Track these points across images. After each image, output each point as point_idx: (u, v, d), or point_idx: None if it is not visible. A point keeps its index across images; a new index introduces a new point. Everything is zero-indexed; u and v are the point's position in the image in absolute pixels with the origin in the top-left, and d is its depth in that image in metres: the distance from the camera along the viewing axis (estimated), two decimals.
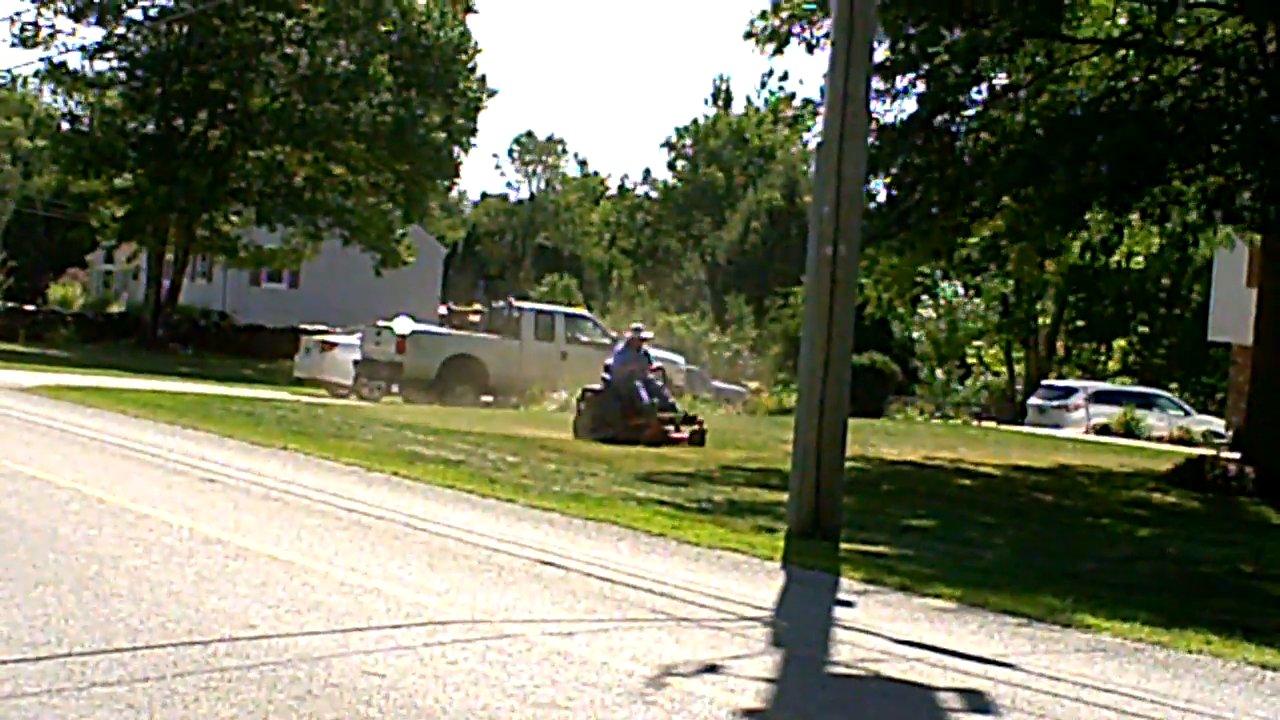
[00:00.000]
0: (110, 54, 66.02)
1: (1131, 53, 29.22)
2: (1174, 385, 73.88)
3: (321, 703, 8.05)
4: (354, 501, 17.03)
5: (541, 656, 9.63)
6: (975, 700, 9.51)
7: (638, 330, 31.86)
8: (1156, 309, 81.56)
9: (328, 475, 19.72)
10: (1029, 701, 9.53)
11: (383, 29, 66.48)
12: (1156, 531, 21.56)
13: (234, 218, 68.61)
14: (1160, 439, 46.56)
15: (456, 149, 70.86)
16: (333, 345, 48.20)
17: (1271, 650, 11.86)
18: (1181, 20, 29.15)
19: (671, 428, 29.39)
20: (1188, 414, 55.27)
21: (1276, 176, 25.24)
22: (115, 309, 76.58)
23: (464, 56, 69.69)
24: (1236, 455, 30.08)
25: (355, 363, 44.03)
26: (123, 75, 66.51)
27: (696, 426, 29.86)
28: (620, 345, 31.89)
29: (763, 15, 29.76)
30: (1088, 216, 29.35)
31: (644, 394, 29.63)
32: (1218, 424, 51.07)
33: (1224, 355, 56.76)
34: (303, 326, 56.06)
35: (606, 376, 30.14)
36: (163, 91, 65.19)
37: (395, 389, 42.33)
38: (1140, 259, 36.51)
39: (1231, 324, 43.33)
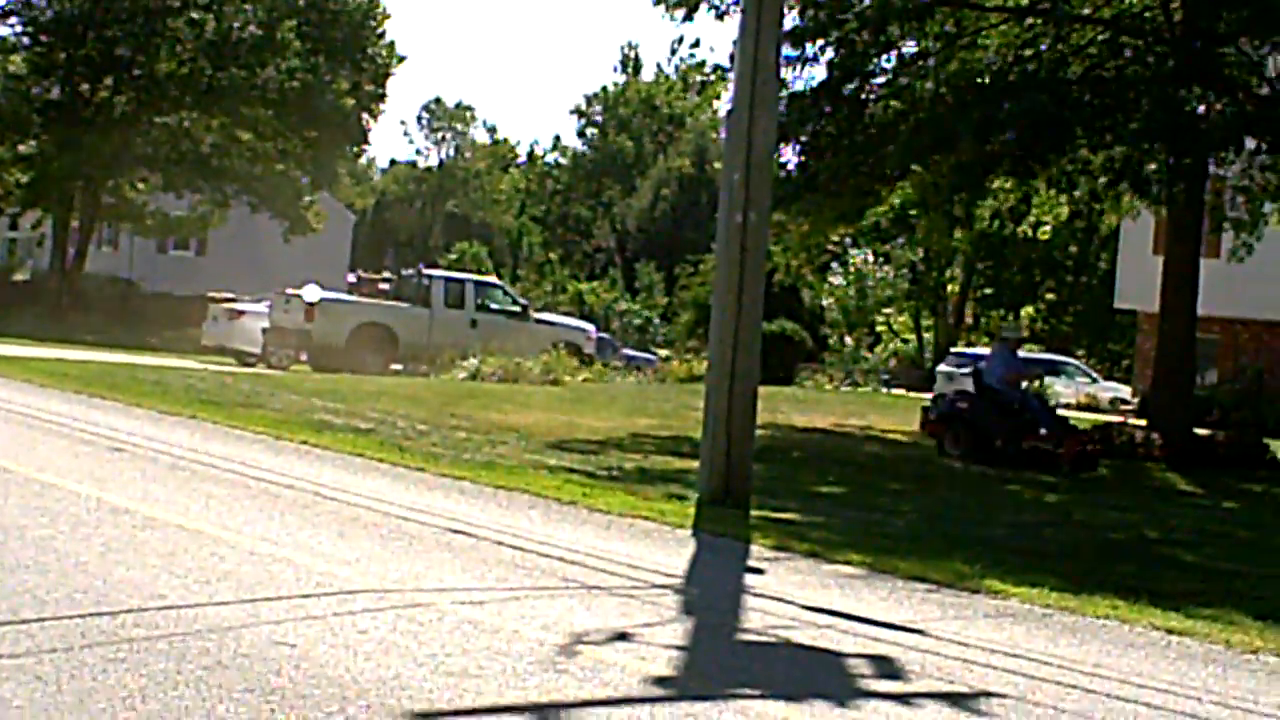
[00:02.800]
0: (13, 19, 65.31)
1: (1040, 21, 29.35)
2: (1081, 352, 74.55)
3: (231, 673, 8.00)
4: (263, 470, 16.94)
5: (452, 625, 9.60)
6: (885, 666, 9.55)
7: (1015, 330, 28.75)
8: (1064, 276, 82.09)
9: (236, 444, 19.60)
10: (938, 667, 9.57)
11: None
12: (1064, 498, 21.75)
13: (140, 185, 67.91)
14: (1067, 405, 46.87)
15: (365, 115, 70.42)
16: (241, 313, 47.87)
17: (1177, 615, 11.96)
18: None
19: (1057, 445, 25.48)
20: (1095, 381, 55.71)
21: (1183, 149, 25.42)
22: (20, 276, 75.71)
23: (373, 22, 69.26)
24: (1143, 422, 30.37)
25: (263, 331, 43.74)
26: (26, 40, 65.74)
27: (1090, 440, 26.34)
28: (997, 348, 27.69)
29: None
30: (996, 184, 29.53)
31: (1034, 405, 26.37)
32: (1124, 391, 51.49)
33: (1130, 323, 57.22)
34: (210, 294, 55.61)
35: (987, 386, 26.19)
36: (68, 56, 64.45)
37: (304, 357, 42.12)
38: (1047, 228, 36.68)
39: (1138, 291, 43.69)
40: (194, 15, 64.24)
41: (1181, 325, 29.00)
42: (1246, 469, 27.17)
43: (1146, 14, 28.93)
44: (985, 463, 24.65)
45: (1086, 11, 29.48)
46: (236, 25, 64.90)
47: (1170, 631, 11.38)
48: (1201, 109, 25.97)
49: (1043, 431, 25.43)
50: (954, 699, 8.79)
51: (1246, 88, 27.40)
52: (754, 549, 14.08)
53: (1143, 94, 26.60)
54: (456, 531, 13.50)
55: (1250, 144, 26.78)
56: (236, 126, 66.22)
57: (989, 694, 8.95)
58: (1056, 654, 10.32)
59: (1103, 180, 29.51)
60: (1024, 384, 27.04)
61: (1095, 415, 38.40)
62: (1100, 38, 29.27)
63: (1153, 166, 26.75)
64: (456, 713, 7.72)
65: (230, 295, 53.47)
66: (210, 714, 7.28)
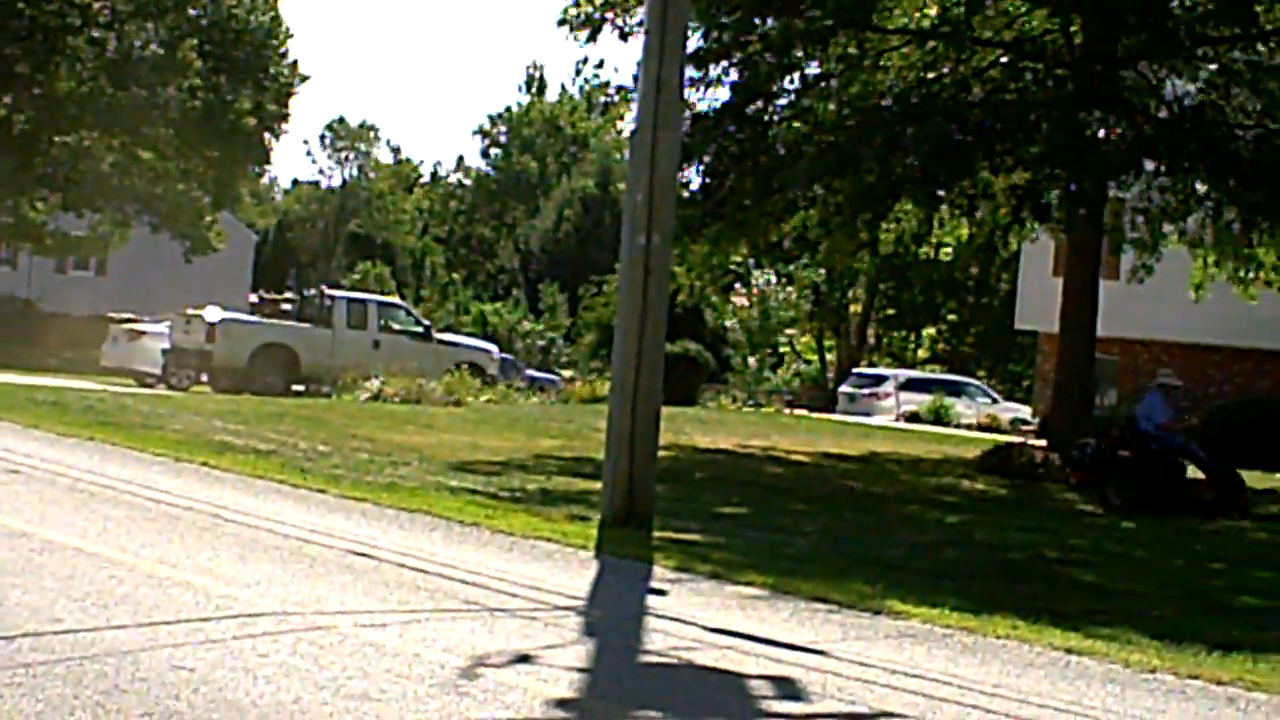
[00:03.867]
0: None
1: (941, 44, 29.57)
2: (982, 373, 75.04)
3: (129, 697, 7.92)
4: (162, 492, 16.79)
5: (353, 648, 9.55)
6: (786, 687, 9.57)
7: (1171, 376, 27.51)
8: (965, 298, 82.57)
9: (135, 466, 19.42)
10: (839, 688, 9.60)
11: (192, 13, 65.58)
12: (965, 518, 21.86)
13: (40, 204, 67.33)
14: (969, 426, 47.22)
15: (267, 135, 70.02)
16: (141, 334, 47.53)
17: (1076, 634, 12.05)
18: (990, 13, 29.55)
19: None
20: (996, 401, 56.12)
21: (1083, 172, 25.64)
22: None
23: (275, 42, 68.87)
24: (1043, 442, 30.58)
25: (164, 351, 43.41)
26: None
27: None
28: (1153, 394, 26.46)
29: (576, 2, 29.75)
30: (898, 208, 29.70)
31: (1195, 451, 25.51)
32: (1025, 411, 51.87)
33: (1031, 343, 57.59)
34: (110, 315, 55.15)
35: (1145, 432, 25.41)
36: None
37: (204, 378, 41.85)
38: (949, 249, 36.92)
39: (1038, 313, 43.98)
40: (94, 34, 63.73)
41: (1081, 346, 29.24)
42: None
43: (1047, 38, 29.19)
44: (1150, 511, 24.17)
45: (987, 35, 29.73)
46: (138, 44, 64.42)
47: (1069, 651, 11.45)
48: (1101, 132, 26.20)
49: (1202, 477, 25.20)
50: (855, 719, 8.82)
51: (1145, 111, 27.70)
52: (656, 570, 14.07)
53: (1043, 117, 26.84)
54: (358, 554, 13.44)
55: (1149, 166, 27.03)
56: (137, 146, 65.69)
57: (889, 714, 8.99)
58: (957, 674, 10.37)
59: (1004, 209, 29.75)
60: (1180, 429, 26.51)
61: (996, 435, 38.65)
62: (1001, 61, 29.52)
63: (1055, 193, 26.94)
64: None
65: (130, 316, 53.07)
66: None
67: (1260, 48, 27.80)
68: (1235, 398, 40.36)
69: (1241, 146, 26.63)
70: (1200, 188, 28.04)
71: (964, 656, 11.07)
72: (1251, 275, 31.86)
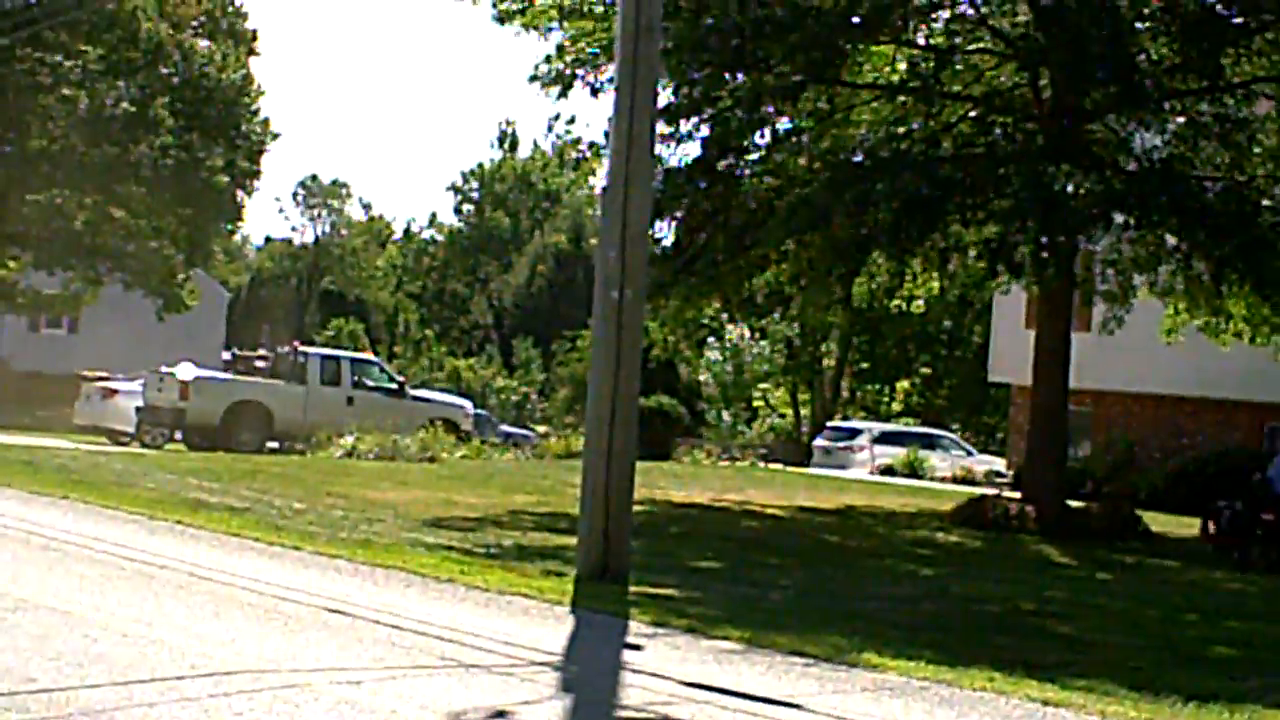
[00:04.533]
0: None
1: (911, 99, 29.72)
2: (956, 426, 75.13)
3: None
4: (137, 550, 16.74)
5: (329, 706, 9.53)
6: None
7: None
8: (938, 350, 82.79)
9: (110, 524, 19.36)
10: None
11: (163, 71, 65.60)
12: (940, 571, 21.87)
13: (12, 263, 67.26)
14: (943, 479, 47.26)
15: (240, 192, 70.04)
16: (114, 392, 47.52)
17: (1052, 686, 12.05)
18: (959, 67, 29.72)
19: None
20: (970, 454, 56.14)
21: (1053, 226, 25.75)
22: None
23: (247, 99, 68.91)
24: (1017, 494, 30.65)
25: (137, 409, 43.40)
26: None
27: None
28: None
29: (548, 59, 29.88)
30: (870, 262, 29.78)
31: None
32: (999, 464, 51.92)
33: (1004, 396, 57.71)
34: (83, 373, 55.08)
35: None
36: None
37: (178, 436, 41.80)
38: (921, 302, 37.03)
39: (1011, 365, 44.09)
40: (66, 91, 63.73)
41: (1053, 398, 29.32)
42: (1119, 540, 27.45)
43: (1015, 91, 29.37)
44: None
45: (956, 89, 29.90)
46: (109, 102, 64.45)
47: (1046, 703, 11.45)
48: (1070, 186, 26.32)
49: None
50: None
51: (1114, 164, 27.85)
52: (632, 625, 14.05)
53: (1012, 171, 26.96)
54: (333, 610, 13.41)
55: (1119, 218, 27.16)
56: (109, 203, 65.64)
57: None
58: None
59: (977, 261, 29.85)
60: None
61: (971, 488, 38.70)
62: (970, 115, 29.67)
63: (1026, 249, 27.04)
64: None
65: (104, 374, 53.02)
66: None
67: (1228, 100, 27.99)
68: (1206, 449, 40.48)
69: (1210, 198, 26.78)
70: (1170, 240, 28.17)
71: (941, 709, 11.07)
72: (1223, 327, 32.00)
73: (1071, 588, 20.69)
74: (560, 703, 10.41)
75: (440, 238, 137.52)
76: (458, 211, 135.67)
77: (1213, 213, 26.24)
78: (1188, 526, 30.61)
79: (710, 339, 71.62)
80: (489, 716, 9.64)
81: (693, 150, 29.79)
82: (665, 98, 28.11)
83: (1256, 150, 28.31)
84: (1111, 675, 12.87)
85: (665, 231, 30.32)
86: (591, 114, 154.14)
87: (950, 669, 12.51)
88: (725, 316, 56.89)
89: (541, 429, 68.59)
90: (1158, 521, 29.85)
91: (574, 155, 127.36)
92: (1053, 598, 19.26)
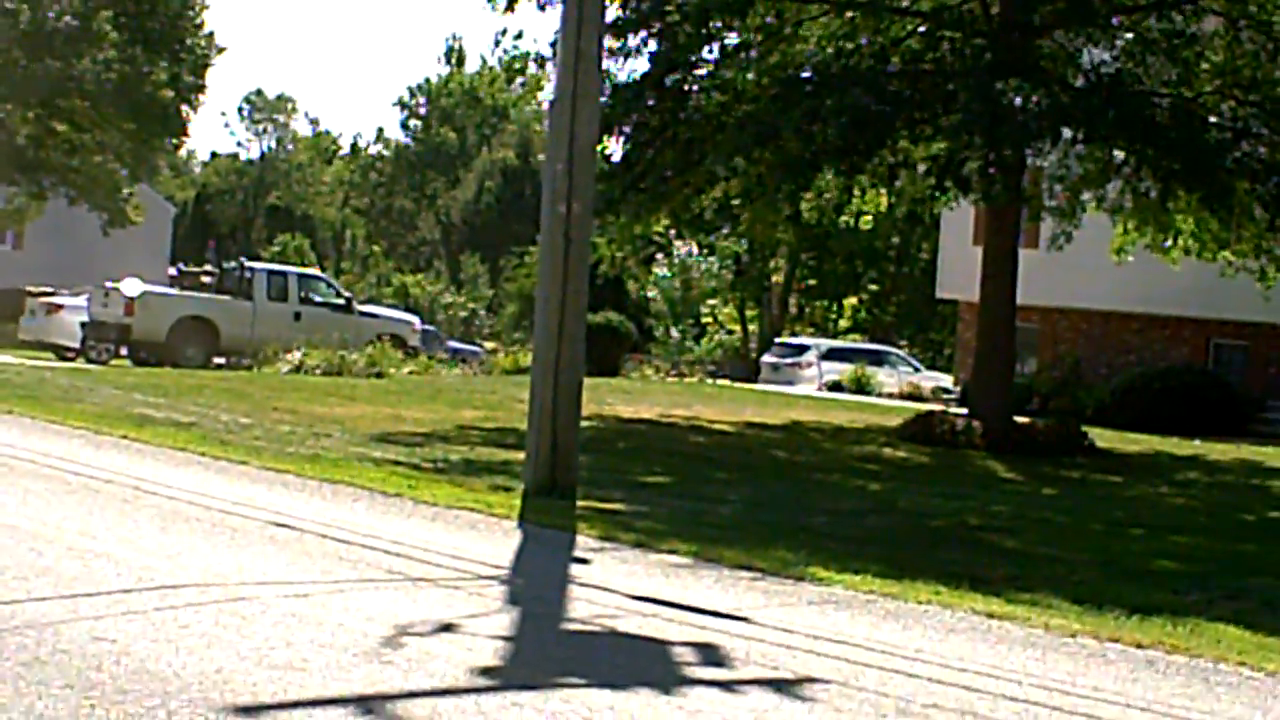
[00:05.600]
0: None
1: (859, 14, 29.63)
2: (904, 342, 75.39)
3: (50, 669, 7.88)
4: (83, 465, 16.68)
5: (276, 619, 9.53)
6: (710, 654, 9.60)
7: None
8: (886, 267, 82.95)
9: (55, 439, 19.28)
10: (763, 654, 9.64)
11: None
12: (887, 486, 21.96)
13: None
14: (891, 395, 47.40)
15: (185, 107, 69.54)
16: (59, 307, 47.30)
17: (997, 600, 12.13)
18: None
19: None
20: (917, 370, 56.36)
21: (1001, 141, 25.73)
22: None
23: (191, 13, 68.35)
24: (964, 410, 30.75)
25: (82, 325, 43.19)
26: None
27: None
28: None
29: None
30: (819, 178, 29.72)
31: None
32: (946, 380, 52.13)
33: (952, 312, 57.87)
34: (28, 288, 54.73)
35: None
36: None
37: (124, 351, 41.65)
38: (869, 218, 37.00)
39: (958, 282, 44.17)
40: (8, 5, 63.15)
41: (1001, 314, 29.36)
42: (1065, 455, 27.55)
43: (964, 7, 29.27)
44: None
45: (905, 4, 29.81)
46: (51, 15, 63.86)
47: (991, 616, 11.52)
48: (1018, 101, 26.30)
49: None
50: (778, 685, 8.86)
51: (1062, 79, 27.82)
52: (580, 539, 14.08)
53: (961, 87, 26.91)
54: (281, 525, 13.39)
55: (1067, 134, 27.16)
56: (53, 118, 65.16)
57: (813, 680, 9.03)
58: (880, 639, 10.43)
59: (925, 177, 29.81)
60: None
61: (918, 404, 38.84)
62: (919, 30, 29.58)
63: (974, 165, 27.01)
64: (280, 706, 7.67)
65: (48, 289, 52.73)
66: (29, 711, 7.18)
67: (1176, 16, 27.95)
68: (1153, 365, 40.67)
69: (1158, 114, 26.78)
70: (1118, 155, 28.21)
71: (886, 622, 11.13)
72: (1170, 243, 32.08)
73: (1017, 503, 20.79)
74: (507, 616, 10.43)
75: (387, 153, 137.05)
76: (405, 127, 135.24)
77: (1160, 128, 26.25)
78: (1133, 443, 30.84)
79: (659, 255, 71.54)
80: (436, 629, 9.66)
81: (641, 65, 29.67)
82: (613, 12, 27.97)
83: (1204, 66, 28.28)
84: (1056, 589, 12.96)
85: (614, 148, 30.26)
86: (539, 28, 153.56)
87: (896, 583, 12.58)
88: (674, 233, 56.94)
89: (489, 345, 68.58)
90: (1104, 437, 29.98)
91: (521, 70, 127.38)
92: (998, 512, 19.35)
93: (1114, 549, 16.72)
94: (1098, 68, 27.78)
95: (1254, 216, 28.26)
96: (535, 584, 12.07)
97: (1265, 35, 27.36)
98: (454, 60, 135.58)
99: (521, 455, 17.82)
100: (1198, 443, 31.81)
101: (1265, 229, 28.50)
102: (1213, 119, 27.82)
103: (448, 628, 9.73)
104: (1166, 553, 16.68)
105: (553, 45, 23.93)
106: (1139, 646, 10.76)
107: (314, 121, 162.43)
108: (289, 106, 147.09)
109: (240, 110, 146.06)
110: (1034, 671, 9.78)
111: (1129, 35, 28.41)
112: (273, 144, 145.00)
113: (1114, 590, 13.08)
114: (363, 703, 7.79)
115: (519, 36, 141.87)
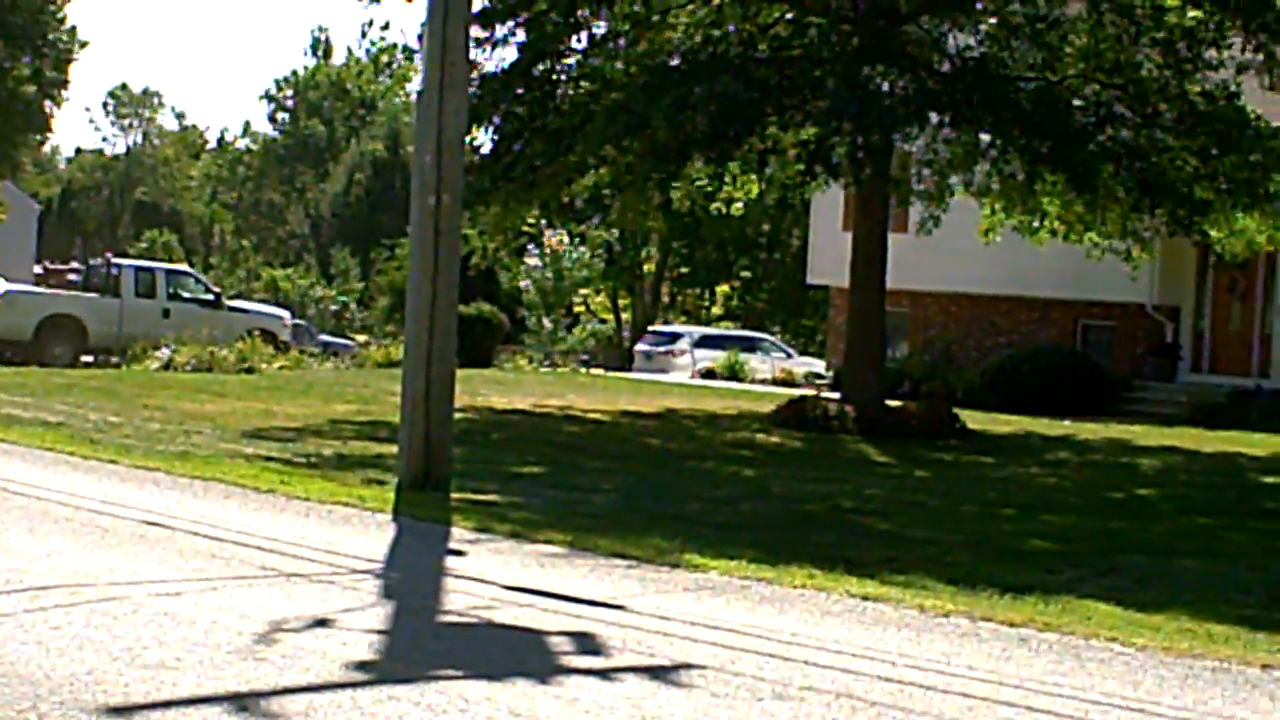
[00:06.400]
0: None
1: (727, 2, 29.69)
2: (776, 328, 75.67)
3: None
4: None
5: (149, 618, 9.45)
6: (586, 642, 9.61)
7: None
8: (758, 254, 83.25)
9: None
10: (639, 641, 9.65)
11: None
12: (761, 471, 22.03)
13: None
14: (764, 381, 47.53)
15: (48, 103, 68.81)
16: None
17: (872, 582, 12.21)
18: None
19: None
20: (790, 356, 56.59)
21: (869, 126, 25.87)
22: None
23: (53, 6, 67.62)
24: (836, 395, 30.92)
25: None
26: None
27: None
28: None
29: None
30: (689, 166, 29.77)
31: None
32: (819, 365, 52.30)
33: (823, 298, 58.10)
34: None
35: None
36: None
37: None
38: (740, 205, 37.06)
39: (829, 267, 44.32)
40: None
41: (871, 299, 29.53)
42: (937, 438, 27.74)
43: None
44: None
45: None
46: None
47: (866, 598, 11.60)
48: (885, 86, 26.46)
49: None
50: (655, 672, 8.88)
51: (928, 65, 28.01)
52: (455, 531, 14.06)
53: (828, 73, 27.04)
54: (152, 524, 13.28)
55: (934, 118, 27.36)
56: None
57: (690, 666, 9.05)
58: (756, 624, 10.47)
59: (795, 163, 29.91)
60: None
61: (791, 390, 38.99)
62: (787, 17, 29.69)
63: (842, 150, 27.12)
64: (153, 705, 7.60)
65: None
66: None
67: (1039, 1, 28.20)
68: (1022, 347, 41.01)
69: (1024, 98, 27.00)
70: (985, 139, 28.43)
71: (762, 607, 11.17)
72: (1037, 225, 32.34)
73: (890, 486, 20.93)
74: (382, 609, 10.39)
75: (255, 147, 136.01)
76: (272, 120, 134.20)
77: (1025, 111, 26.48)
78: (1004, 424, 31.12)
79: (530, 246, 71.40)
80: (310, 625, 9.61)
81: (509, 55, 29.63)
82: (480, 2, 27.94)
83: (1068, 50, 28.52)
84: (930, 570, 13.07)
85: (483, 138, 30.20)
86: (406, 19, 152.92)
87: (771, 567, 12.64)
88: (544, 223, 56.77)
89: (361, 338, 68.12)
90: (975, 419, 30.22)
91: (388, 61, 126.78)
92: (872, 496, 19.47)
93: (987, 529, 16.87)
94: (963, 53, 28.02)
95: (1119, 198, 28.52)
96: (410, 577, 12.04)
97: (1128, 19, 27.63)
98: (320, 52, 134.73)
99: (395, 449, 17.77)
100: (1067, 423, 32.11)
101: (1130, 210, 28.78)
102: (1077, 102, 28.08)
103: (322, 623, 9.69)
104: (1038, 532, 16.84)
105: (420, 36, 23.82)
106: (1012, 625, 10.87)
107: (180, 116, 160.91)
108: (154, 101, 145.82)
109: (105, 105, 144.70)
110: (909, 652, 9.85)
111: (993, 20, 28.62)
112: (139, 139, 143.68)
113: (987, 570, 13.21)
114: (237, 700, 7.74)
115: (386, 27, 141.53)
